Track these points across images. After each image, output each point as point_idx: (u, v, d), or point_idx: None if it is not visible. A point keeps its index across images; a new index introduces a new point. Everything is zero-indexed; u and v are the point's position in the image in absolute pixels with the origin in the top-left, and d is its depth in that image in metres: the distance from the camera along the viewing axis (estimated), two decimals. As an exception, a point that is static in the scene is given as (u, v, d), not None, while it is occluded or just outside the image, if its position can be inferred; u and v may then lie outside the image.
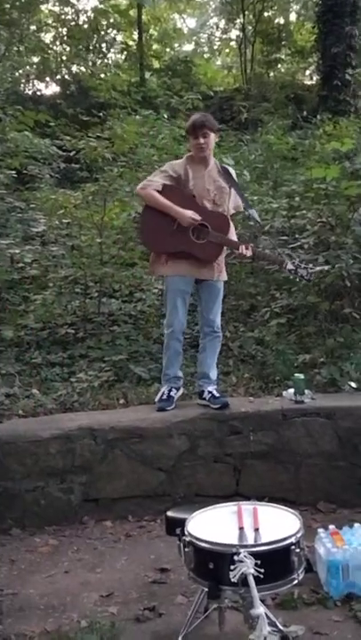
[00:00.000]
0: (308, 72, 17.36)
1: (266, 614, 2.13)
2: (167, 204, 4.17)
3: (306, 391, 4.31)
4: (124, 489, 4.08)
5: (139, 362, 5.34)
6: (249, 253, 4.24)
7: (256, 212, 4.68)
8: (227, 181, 4.31)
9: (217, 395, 4.29)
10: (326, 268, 5.12)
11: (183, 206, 4.16)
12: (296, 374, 4.42)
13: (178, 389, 4.43)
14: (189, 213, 4.13)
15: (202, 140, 4.18)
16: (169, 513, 3.06)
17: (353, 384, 4.61)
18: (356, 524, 3.30)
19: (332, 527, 3.24)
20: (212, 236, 4.18)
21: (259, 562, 2.23)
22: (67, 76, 17.36)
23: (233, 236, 4.35)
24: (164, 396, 4.35)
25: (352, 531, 3.23)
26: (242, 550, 2.27)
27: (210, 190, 4.27)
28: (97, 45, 18.46)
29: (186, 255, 4.22)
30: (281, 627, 2.53)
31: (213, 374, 4.41)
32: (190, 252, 4.20)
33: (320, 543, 3.14)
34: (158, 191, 4.21)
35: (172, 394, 4.37)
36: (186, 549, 2.47)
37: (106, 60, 18.49)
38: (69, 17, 18.29)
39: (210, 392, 4.30)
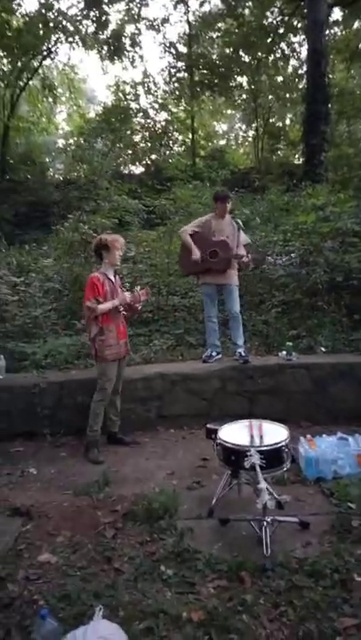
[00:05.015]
0: (297, 156, 16.78)
1: (267, 488, 2.12)
2: (190, 242, 4.36)
3: (293, 353, 4.25)
4: (181, 410, 4.10)
5: (191, 334, 5.30)
6: (247, 259, 4.28)
7: (248, 238, 4.60)
8: (237, 226, 4.35)
9: (244, 354, 4.25)
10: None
11: (202, 241, 4.30)
12: (287, 343, 4.36)
13: (218, 353, 4.42)
14: (197, 252, 4.29)
15: (228, 205, 4.39)
16: (208, 425, 3.08)
17: (323, 349, 4.51)
18: (324, 435, 3.27)
19: (308, 436, 3.21)
20: (219, 255, 4.25)
21: (262, 456, 2.22)
22: (148, 162, 17.32)
23: (241, 251, 4.29)
24: (208, 354, 4.37)
25: (321, 439, 3.21)
26: (252, 449, 2.26)
27: (225, 231, 4.34)
28: (166, 142, 18.34)
29: (209, 271, 4.31)
30: (276, 495, 2.52)
31: (240, 341, 4.34)
32: (210, 268, 4.29)
33: (301, 446, 3.11)
34: (190, 234, 4.39)
35: (213, 354, 4.37)
36: (218, 447, 2.49)
37: (171, 151, 18.30)
38: (150, 125, 18.22)
39: (240, 352, 4.26)
